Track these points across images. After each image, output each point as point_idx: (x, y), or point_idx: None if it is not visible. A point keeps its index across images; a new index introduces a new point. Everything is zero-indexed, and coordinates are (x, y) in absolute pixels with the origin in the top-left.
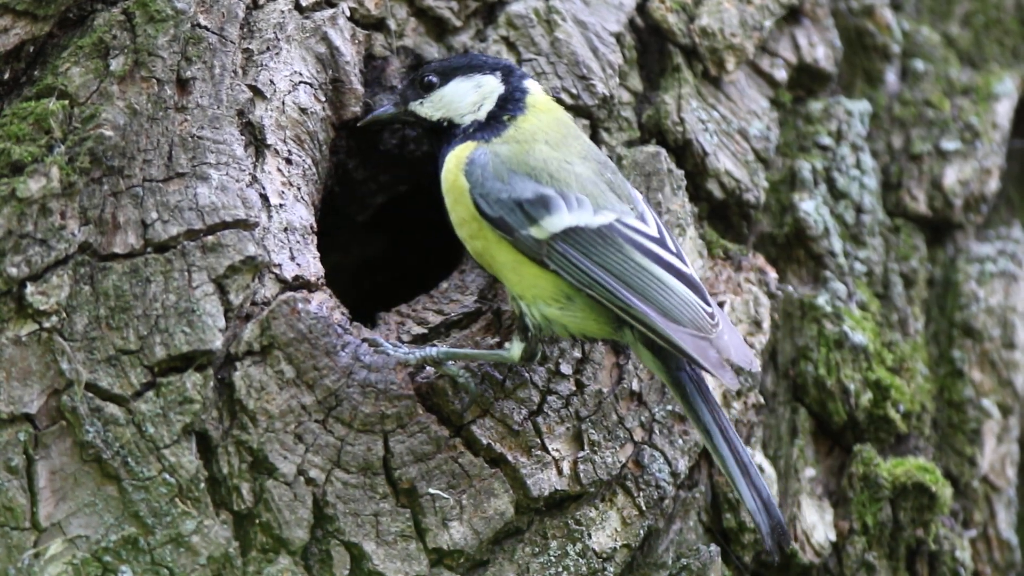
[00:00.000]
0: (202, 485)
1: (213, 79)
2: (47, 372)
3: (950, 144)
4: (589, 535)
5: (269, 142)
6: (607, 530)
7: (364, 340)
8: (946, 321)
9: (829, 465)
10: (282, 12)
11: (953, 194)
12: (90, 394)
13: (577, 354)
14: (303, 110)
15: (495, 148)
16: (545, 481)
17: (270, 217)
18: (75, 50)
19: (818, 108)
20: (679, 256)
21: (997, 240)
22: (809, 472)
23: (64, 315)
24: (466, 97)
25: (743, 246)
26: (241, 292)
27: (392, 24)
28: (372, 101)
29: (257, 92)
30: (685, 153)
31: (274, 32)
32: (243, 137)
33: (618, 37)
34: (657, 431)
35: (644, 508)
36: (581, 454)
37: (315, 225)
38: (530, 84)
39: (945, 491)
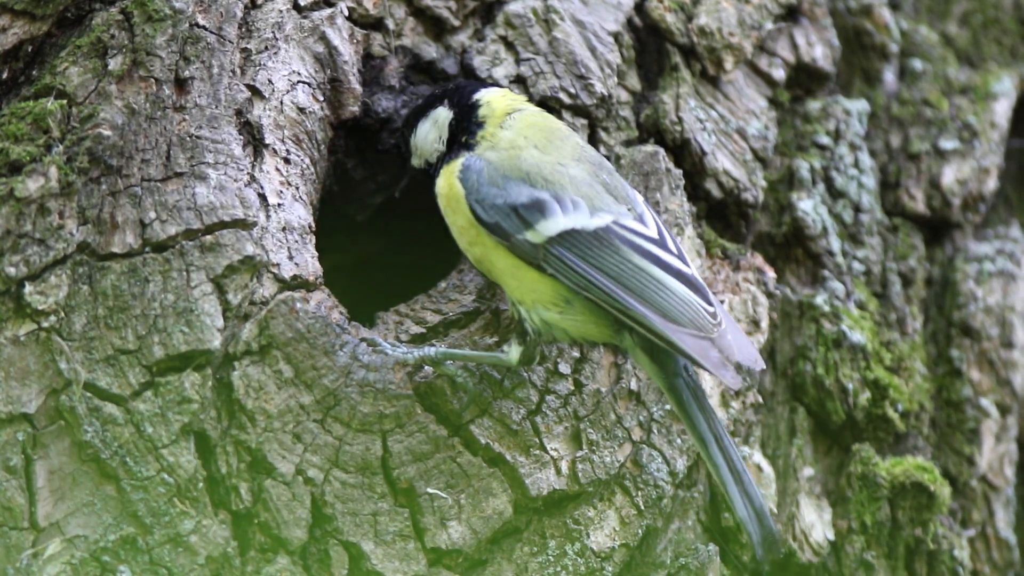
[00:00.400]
0: (200, 485)
1: (211, 79)
2: (45, 372)
3: (948, 143)
4: (587, 534)
5: (267, 142)
6: (605, 529)
7: (362, 340)
8: (944, 320)
9: (828, 464)
10: (280, 12)
11: (951, 193)
12: (88, 394)
13: (575, 353)
14: (301, 110)
15: (485, 155)
16: (543, 481)
17: (268, 217)
18: (73, 49)
19: (816, 107)
20: (680, 257)
21: (995, 239)
22: (808, 471)
23: (62, 315)
24: (428, 136)
25: (741, 245)
26: (239, 292)
27: (390, 24)
28: (370, 100)
29: (255, 92)
30: (683, 152)
31: (272, 32)
32: (241, 137)
33: (616, 36)
34: (655, 430)
35: (642, 507)
36: (579, 453)
37: (313, 225)
38: (481, 94)
39: (943, 490)
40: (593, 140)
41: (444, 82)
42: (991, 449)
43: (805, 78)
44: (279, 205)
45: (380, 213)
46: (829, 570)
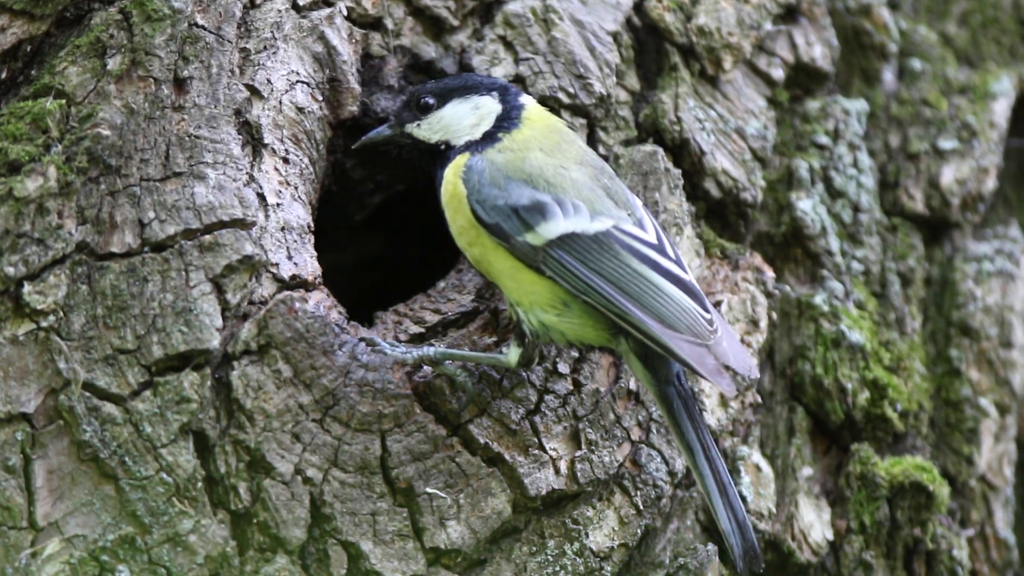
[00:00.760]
0: (199, 484)
1: (210, 78)
2: (44, 371)
3: (947, 143)
4: (586, 534)
5: (266, 141)
6: (604, 529)
7: (361, 339)
8: (943, 320)
9: (826, 464)
10: (279, 11)
11: (950, 193)
12: (87, 393)
13: (574, 353)
14: (300, 109)
15: (491, 156)
16: (542, 480)
17: (267, 216)
18: (72, 49)
19: (815, 107)
20: (678, 263)
21: (994, 239)
22: (806, 471)
23: (61, 314)
24: (464, 119)
25: (740, 245)
26: (238, 291)
27: (389, 23)
28: (369, 100)
29: (254, 91)
30: (682, 152)
31: (271, 31)
32: (240, 136)
33: (615, 36)
34: (654, 430)
35: (641, 507)
36: (578, 453)
37: (312, 224)
38: (525, 100)
39: (942, 490)
40: (592, 140)
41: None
42: (990, 449)
43: (804, 78)
44: (278, 205)
45: (379, 213)
46: (828, 570)
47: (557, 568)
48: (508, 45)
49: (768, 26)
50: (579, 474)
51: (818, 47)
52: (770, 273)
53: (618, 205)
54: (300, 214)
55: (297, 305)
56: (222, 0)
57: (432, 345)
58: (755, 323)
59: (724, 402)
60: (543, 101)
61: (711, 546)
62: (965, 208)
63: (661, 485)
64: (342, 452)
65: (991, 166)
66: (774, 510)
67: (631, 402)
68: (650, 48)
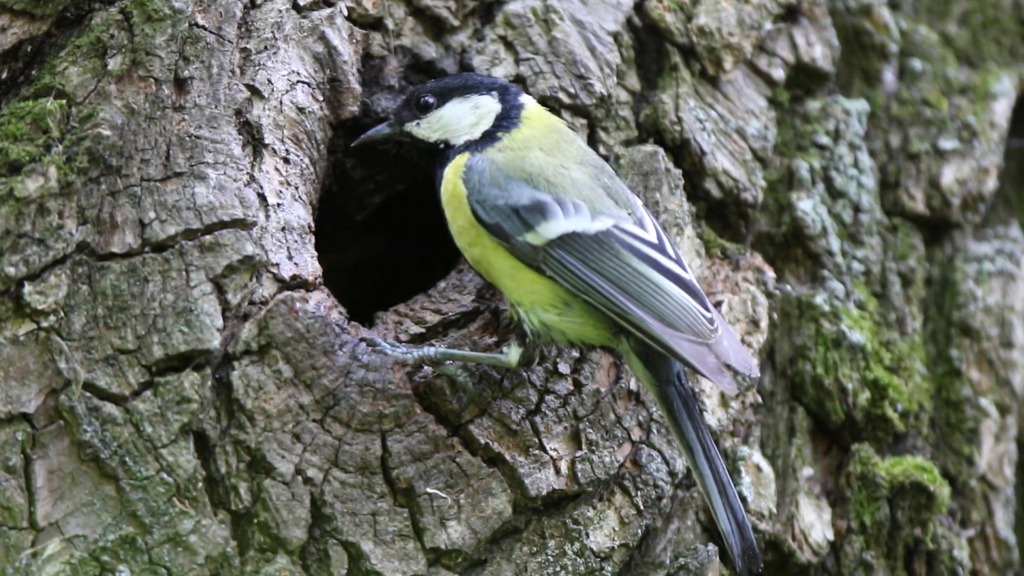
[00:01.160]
0: (200, 484)
1: (211, 78)
2: (45, 371)
3: (948, 143)
4: (587, 534)
5: (267, 141)
6: (605, 529)
7: (362, 339)
8: (944, 320)
9: (827, 464)
10: (280, 11)
11: (951, 193)
12: (88, 393)
13: (575, 353)
14: (301, 109)
15: (491, 155)
16: (543, 480)
17: (268, 216)
18: (73, 49)
19: (816, 107)
20: (678, 262)
21: (995, 239)
22: (807, 471)
23: (62, 314)
24: (464, 118)
25: (741, 245)
26: (239, 291)
27: (390, 23)
28: (370, 100)
29: (255, 91)
30: (683, 152)
31: (272, 31)
32: (241, 136)
33: (616, 36)
34: (655, 430)
35: (642, 507)
36: (579, 453)
37: (313, 224)
38: (525, 99)
39: (943, 490)
40: (592, 140)
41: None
42: (990, 449)
43: (804, 78)
44: (278, 205)
45: (380, 213)
46: (828, 570)
47: (558, 568)
48: (509, 45)
49: (768, 26)
50: (580, 474)
51: (819, 47)
52: (771, 273)
53: (618, 204)
54: (301, 214)
55: (298, 305)
56: (223, 0)
57: (433, 345)
58: (756, 323)
59: (725, 402)
60: (543, 101)
61: (711, 546)
62: (965, 208)
63: (662, 485)
64: (343, 452)
65: (991, 166)
66: (775, 510)
67: (632, 402)
68: (651, 48)
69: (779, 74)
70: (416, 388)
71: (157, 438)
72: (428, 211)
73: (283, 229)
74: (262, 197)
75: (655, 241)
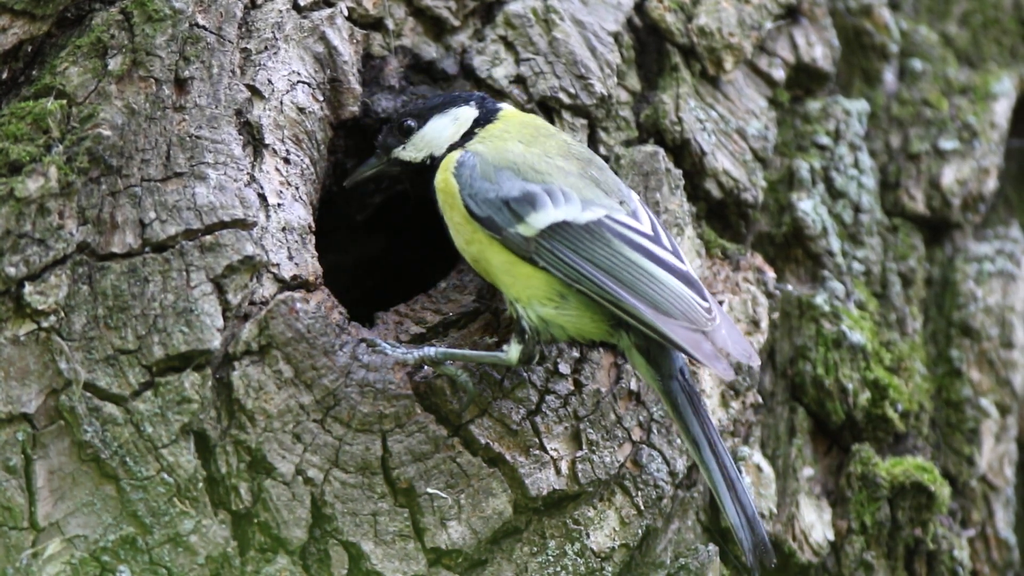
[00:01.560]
0: (200, 485)
1: (211, 79)
2: (45, 372)
3: (948, 143)
4: (587, 535)
5: (267, 142)
6: (605, 530)
7: (362, 340)
8: (944, 320)
9: (827, 464)
10: (280, 12)
11: (951, 193)
12: (88, 394)
13: (575, 353)
14: (301, 110)
15: (474, 148)
16: (543, 481)
17: (268, 217)
18: (73, 49)
19: (816, 108)
20: (675, 253)
21: (995, 239)
22: (807, 471)
23: (62, 315)
24: (445, 131)
25: (741, 245)
26: (239, 292)
27: (390, 24)
28: (370, 100)
29: (255, 92)
30: (683, 152)
31: (272, 32)
32: (241, 137)
33: (616, 37)
34: (655, 431)
35: (642, 508)
36: (579, 453)
37: (313, 225)
38: (503, 105)
39: (943, 490)
40: (593, 140)
41: (446, 85)
42: (991, 449)
43: (805, 78)
44: (279, 205)
45: (380, 213)
46: (829, 570)
47: (558, 568)
48: (509, 45)
49: (769, 26)
50: (580, 474)
51: (819, 47)
52: (771, 273)
53: (609, 195)
54: (301, 214)
55: (298, 305)
56: (223, 0)
57: (433, 345)
58: (756, 323)
59: (725, 402)
60: (544, 102)
61: (712, 546)
62: (966, 208)
63: (662, 485)
64: (343, 452)
65: (992, 166)
66: (775, 510)
67: (632, 402)
68: (651, 48)
69: (779, 74)
70: (416, 388)
71: (157, 438)
72: (429, 211)
73: (283, 229)
74: (262, 197)
75: (649, 232)
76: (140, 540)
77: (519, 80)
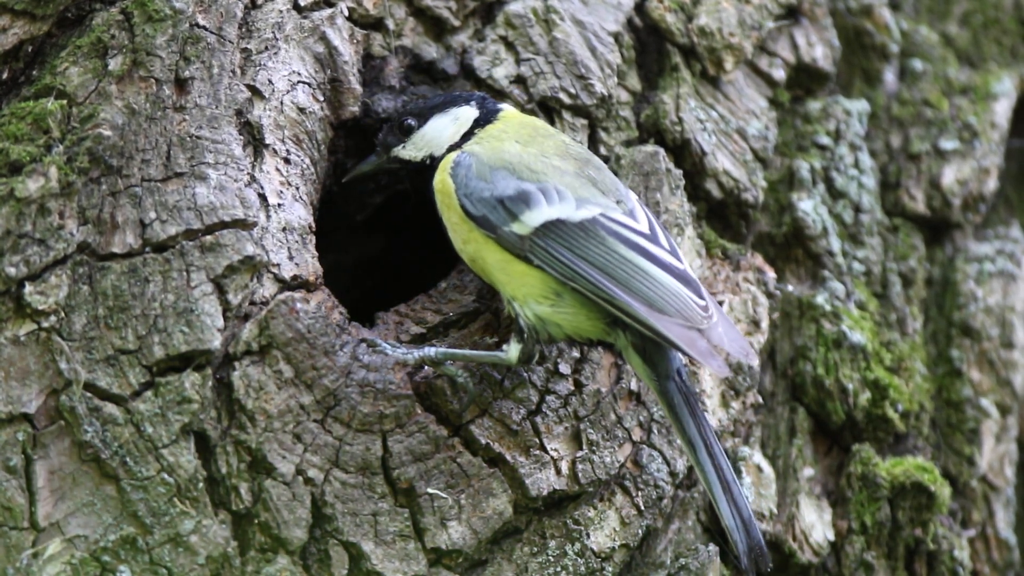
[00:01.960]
0: (200, 485)
1: (211, 79)
2: (45, 372)
3: (948, 144)
4: (587, 535)
5: (267, 142)
6: (605, 530)
7: (362, 340)
8: (944, 320)
9: (828, 465)
10: (280, 12)
11: (951, 194)
12: (88, 394)
13: (576, 354)
14: (301, 110)
15: (471, 149)
16: (544, 481)
17: (268, 217)
18: (73, 50)
19: (816, 108)
20: (672, 253)
21: (995, 240)
22: (808, 472)
23: (63, 315)
24: (445, 131)
25: (741, 245)
26: (239, 292)
27: (390, 24)
28: (370, 101)
29: (255, 92)
30: (683, 153)
31: (272, 32)
32: (241, 137)
33: (616, 37)
34: (656, 431)
35: (643, 508)
36: (580, 454)
37: (313, 225)
38: (503, 105)
39: (944, 490)
40: (593, 140)
41: (446, 85)
42: (991, 449)
43: (805, 78)
44: (279, 205)
45: (380, 213)
46: (829, 570)
47: (558, 568)
48: (509, 45)
49: (769, 26)
50: (580, 474)
51: (819, 47)
52: (771, 274)
53: (606, 195)
54: (301, 214)
55: (298, 305)
56: (223, 0)
57: (433, 345)
58: (756, 324)
59: (725, 403)
60: (544, 102)
61: (712, 547)
62: (966, 208)
63: (662, 485)
64: (343, 452)
65: (992, 166)
66: (775, 511)
67: (632, 403)
68: (651, 48)
69: (780, 74)
70: (417, 388)
71: (158, 438)
72: (428, 211)
73: (284, 229)
74: (263, 197)
75: (646, 231)
76: (140, 540)
77: (519, 80)
